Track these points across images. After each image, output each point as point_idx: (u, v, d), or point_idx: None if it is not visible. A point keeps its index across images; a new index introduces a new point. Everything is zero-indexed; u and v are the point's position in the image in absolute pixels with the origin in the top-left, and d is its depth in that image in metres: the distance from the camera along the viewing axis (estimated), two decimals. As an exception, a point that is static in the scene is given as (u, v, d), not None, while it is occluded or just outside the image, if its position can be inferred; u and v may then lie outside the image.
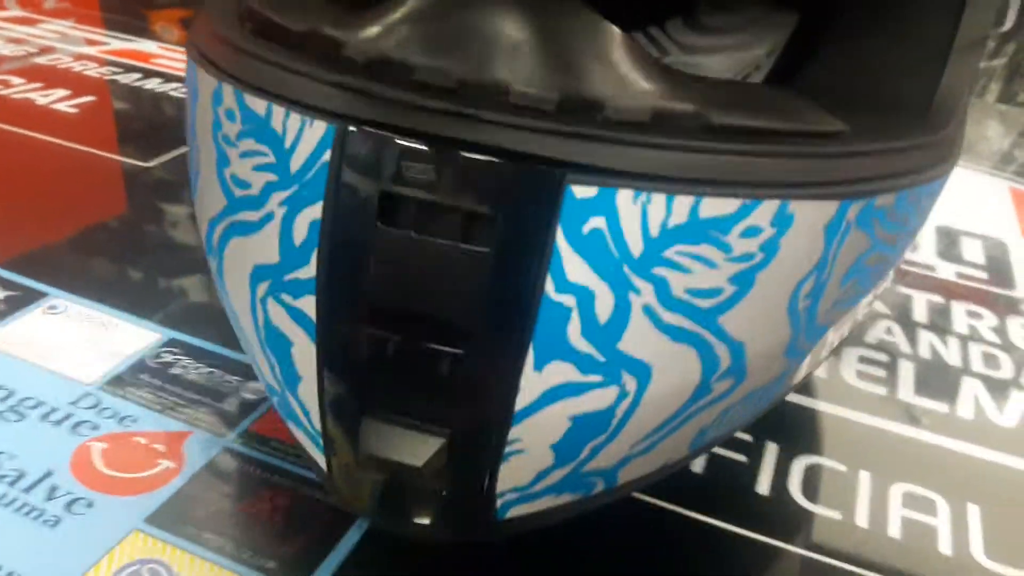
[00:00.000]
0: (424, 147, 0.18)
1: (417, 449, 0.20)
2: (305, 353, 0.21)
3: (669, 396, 0.21)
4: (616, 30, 0.19)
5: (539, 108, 0.18)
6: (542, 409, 0.20)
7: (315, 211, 0.19)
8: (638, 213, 0.18)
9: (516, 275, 0.19)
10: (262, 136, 0.20)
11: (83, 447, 0.30)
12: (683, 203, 0.19)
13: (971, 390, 0.38)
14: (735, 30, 0.41)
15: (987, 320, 0.44)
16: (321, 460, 0.23)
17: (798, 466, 0.32)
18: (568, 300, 0.19)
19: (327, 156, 0.19)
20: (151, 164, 0.54)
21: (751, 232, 0.19)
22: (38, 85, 0.64)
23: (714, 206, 0.19)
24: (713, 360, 0.21)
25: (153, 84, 0.67)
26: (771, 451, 0.33)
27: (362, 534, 0.28)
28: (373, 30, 0.19)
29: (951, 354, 0.40)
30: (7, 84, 0.64)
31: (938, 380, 0.38)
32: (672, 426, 0.22)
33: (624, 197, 0.18)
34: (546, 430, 0.20)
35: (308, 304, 0.20)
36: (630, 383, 0.20)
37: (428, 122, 0.18)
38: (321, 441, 0.22)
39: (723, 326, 0.20)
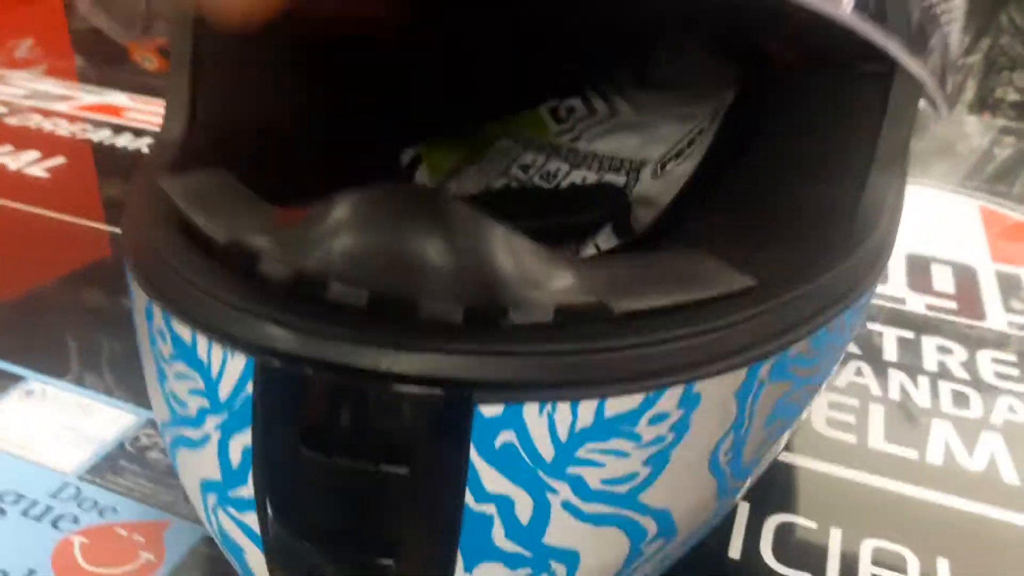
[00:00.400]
0: (338, 379, 0.19)
1: None
2: (255, 558, 0.22)
3: (601, 570, 0.22)
4: (516, 235, 0.20)
5: (447, 321, 0.19)
6: None
7: (245, 437, 0.20)
8: (545, 423, 0.19)
9: (435, 492, 0.20)
10: (191, 362, 0.21)
11: (64, 542, 0.31)
12: (588, 407, 0.19)
13: (941, 433, 0.38)
14: (681, 86, 0.41)
15: (957, 355, 0.44)
16: None
17: (769, 526, 0.33)
18: (489, 508, 0.20)
19: (249, 388, 0.20)
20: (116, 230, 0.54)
21: (658, 419, 0.20)
22: (8, 148, 0.64)
23: (619, 404, 0.19)
24: (640, 532, 0.22)
25: (125, 140, 0.67)
26: (743, 511, 0.33)
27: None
28: (289, 243, 0.20)
29: (921, 395, 0.41)
30: (-22, 148, 0.64)
31: (908, 425, 0.39)
32: None
33: (530, 410, 0.19)
34: None
35: (252, 519, 0.21)
36: (560, 569, 0.21)
37: (340, 353, 0.19)
38: None
39: (644, 502, 0.21)
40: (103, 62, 0.85)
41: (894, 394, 0.41)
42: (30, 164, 0.62)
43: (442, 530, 0.20)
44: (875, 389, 0.41)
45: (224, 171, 0.24)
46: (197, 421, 0.22)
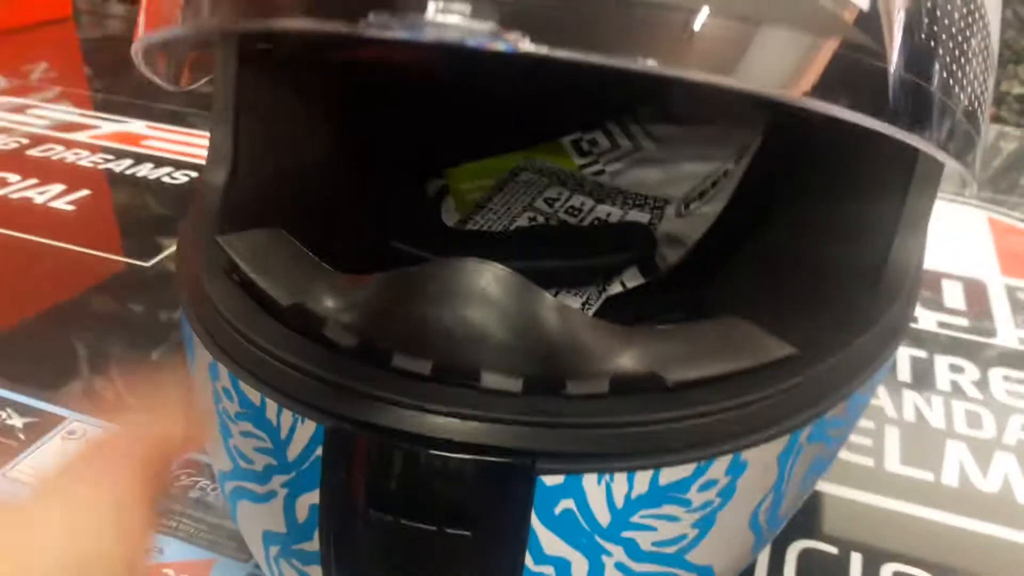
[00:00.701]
0: (406, 446, 0.20)
1: None
2: None
3: None
4: (571, 308, 0.21)
5: (507, 390, 0.20)
6: None
7: (313, 497, 0.22)
8: (603, 491, 0.21)
9: (497, 554, 0.21)
10: (259, 423, 0.23)
11: (114, 585, 0.32)
12: (643, 477, 0.21)
13: (955, 455, 0.39)
14: (704, 124, 0.42)
15: (969, 374, 0.45)
16: None
17: (792, 553, 0.34)
18: (547, 570, 0.21)
19: (319, 451, 0.21)
20: (150, 264, 0.55)
21: (708, 486, 0.22)
22: (34, 181, 0.66)
23: (672, 473, 0.21)
24: None
25: (145, 170, 0.69)
26: (767, 538, 0.34)
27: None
28: (353, 309, 0.21)
29: (935, 416, 0.42)
30: (4, 183, 0.65)
31: (923, 446, 0.40)
32: None
33: (589, 480, 0.20)
34: None
35: (315, 571, 0.23)
36: None
37: (409, 422, 0.20)
38: None
39: (690, 560, 0.23)
40: (108, 71, 0.86)
41: (909, 415, 0.42)
42: (55, 198, 0.63)
43: None
44: (890, 410, 0.42)
45: (279, 229, 0.25)
46: (263, 478, 0.23)
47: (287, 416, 0.22)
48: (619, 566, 0.22)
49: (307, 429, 0.21)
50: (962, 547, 0.34)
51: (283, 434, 0.22)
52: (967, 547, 0.34)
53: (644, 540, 0.21)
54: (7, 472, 0.37)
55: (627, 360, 0.21)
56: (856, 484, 0.37)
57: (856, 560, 0.34)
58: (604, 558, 0.21)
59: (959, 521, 0.36)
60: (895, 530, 0.35)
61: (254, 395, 0.22)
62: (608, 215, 0.42)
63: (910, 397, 0.43)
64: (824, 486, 0.37)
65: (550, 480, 0.20)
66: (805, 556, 0.34)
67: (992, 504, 0.37)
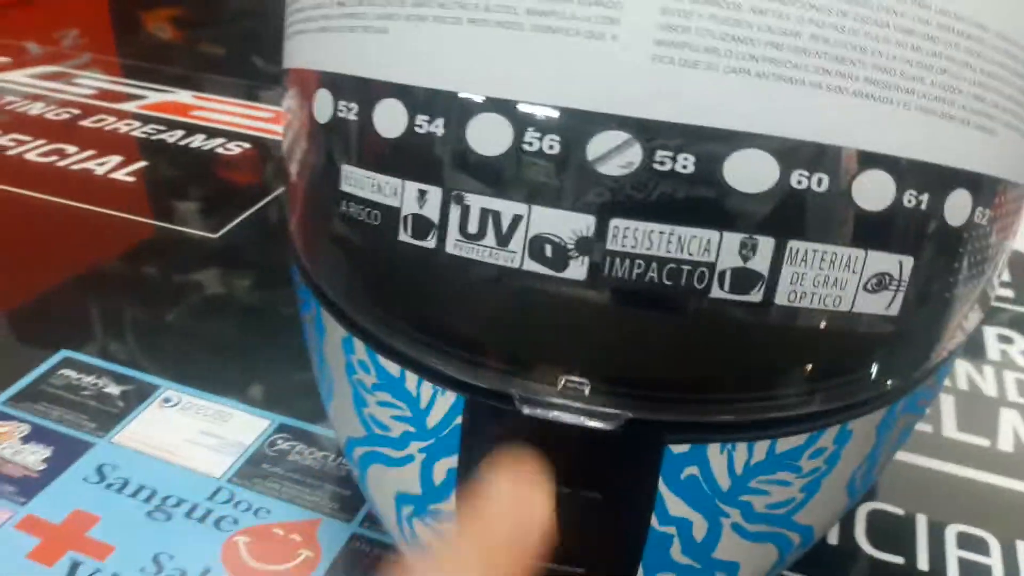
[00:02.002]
0: (543, 416, 0.22)
1: None
2: None
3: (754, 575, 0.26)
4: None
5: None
6: None
7: (451, 461, 0.24)
8: (725, 459, 0.23)
9: (626, 515, 0.23)
10: (397, 393, 0.24)
11: (230, 542, 0.34)
12: (762, 446, 0.23)
13: (1009, 422, 0.41)
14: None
15: (1017, 344, 0.47)
16: None
17: (861, 514, 0.36)
18: (670, 529, 0.23)
19: (459, 420, 0.23)
20: (218, 235, 0.57)
21: (817, 454, 0.24)
22: (92, 152, 0.67)
23: (788, 443, 0.23)
24: (788, 544, 0.25)
25: (198, 141, 0.70)
26: (837, 501, 0.36)
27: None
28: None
29: (987, 384, 0.44)
30: (63, 154, 0.67)
31: (978, 414, 0.42)
32: None
33: (713, 449, 0.22)
34: None
35: (450, 528, 0.24)
36: None
37: (545, 393, 0.22)
38: None
39: (796, 521, 0.25)
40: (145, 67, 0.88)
41: (962, 384, 0.44)
42: (115, 169, 0.65)
43: (629, 546, 0.23)
44: (945, 380, 0.44)
45: None
46: (400, 443, 0.25)
47: (427, 387, 0.24)
48: (735, 527, 0.24)
49: (447, 399, 0.23)
50: (1020, 509, 0.36)
51: (423, 404, 0.24)
52: (1025, 509, 0.37)
53: (759, 503, 0.24)
54: (112, 438, 0.39)
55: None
56: (918, 450, 0.39)
57: (922, 521, 0.36)
58: (722, 519, 0.23)
59: (1016, 484, 0.38)
60: (956, 493, 0.37)
61: (393, 368, 0.24)
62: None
63: (963, 367, 0.45)
64: (887, 452, 0.39)
65: (677, 449, 0.22)
66: (874, 517, 0.36)
67: (1047, 469, 0.39)
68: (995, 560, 0.34)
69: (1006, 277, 0.54)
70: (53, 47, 0.93)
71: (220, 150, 0.69)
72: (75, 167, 0.65)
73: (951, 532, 0.35)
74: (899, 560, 0.34)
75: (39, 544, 0.34)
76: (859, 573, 0.33)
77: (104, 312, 0.49)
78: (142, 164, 0.66)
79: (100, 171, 0.64)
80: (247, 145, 0.70)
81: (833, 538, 0.35)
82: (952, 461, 0.39)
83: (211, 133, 0.71)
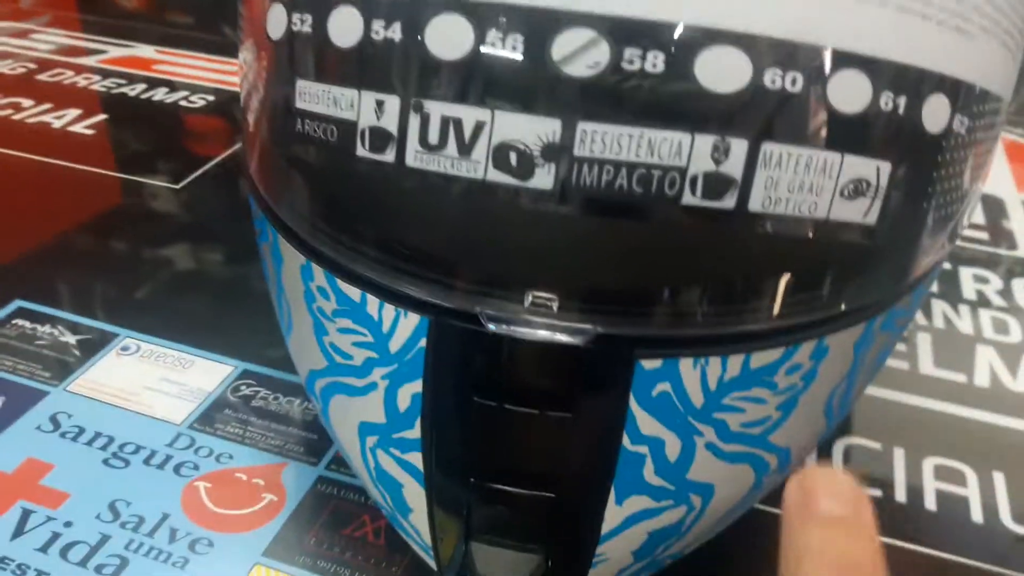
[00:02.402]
0: (510, 334, 0.21)
1: (519, 567, 0.24)
2: (415, 493, 0.25)
3: (729, 500, 0.25)
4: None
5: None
6: (624, 531, 0.24)
7: (416, 386, 0.23)
8: (698, 375, 0.21)
9: (596, 435, 0.22)
10: (359, 318, 0.23)
11: (190, 487, 0.33)
12: (736, 360, 0.22)
13: (985, 358, 0.41)
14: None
15: (993, 284, 0.47)
16: (434, 565, 0.27)
17: (838, 448, 0.35)
18: (642, 449, 0.22)
19: (423, 343, 0.22)
20: (180, 186, 0.55)
21: (794, 369, 0.23)
22: (48, 106, 0.65)
23: (763, 357, 0.22)
24: (764, 466, 0.24)
25: (161, 95, 0.68)
26: (813, 437, 0.36)
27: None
28: None
29: (963, 323, 0.43)
30: (18, 107, 0.65)
31: (954, 351, 0.41)
32: (731, 515, 0.26)
33: (685, 364, 0.21)
34: (627, 543, 0.24)
35: (415, 458, 0.24)
36: (697, 501, 0.24)
37: (512, 311, 0.21)
38: (433, 555, 0.26)
39: (772, 442, 0.24)
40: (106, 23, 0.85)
41: (939, 323, 0.43)
42: (73, 122, 0.63)
43: (600, 468, 0.22)
44: (920, 319, 0.44)
45: None
46: (362, 371, 0.24)
47: (389, 310, 0.22)
48: (709, 446, 0.23)
49: (410, 322, 0.22)
50: (998, 441, 0.36)
51: (385, 328, 0.23)
52: (1003, 441, 0.36)
53: (733, 421, 0.23)
54: (66, 387, 0.38)
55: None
56: (894, 386, 0.39)
57: (899, 454, 0.35)
58: (696, 438, 0.22)
59: (992, 418, 0.37)
60: (933, 427, 0.37)
61: (354, 292, 0.23)
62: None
63: (939, 306, 0.45)
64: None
65: (648, 364, 0.21)
66: (851, 451, 0.35)
67: (1023, 402, 0.38)
68: (972, 491, 0.34)
69: (981, 220, 0.53)
70: (11, 4, 0.90)
71: (183, 103, 0.67)
72: (31, 120, 0.63)
73: (928, 465, 0.35)
74: (877, 493, 0.34)
75: (-10, 493, 0.33)
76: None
77: (59, 269, 0.47)
78: (102, 117, 0.64)
79: (58, 124, 0.62)
80: (211, 98, 0.68)
81: (809, 473, 0.34)
82: (929, 396, 0.38)
83: (173, 87, 0.69)
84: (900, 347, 0.41)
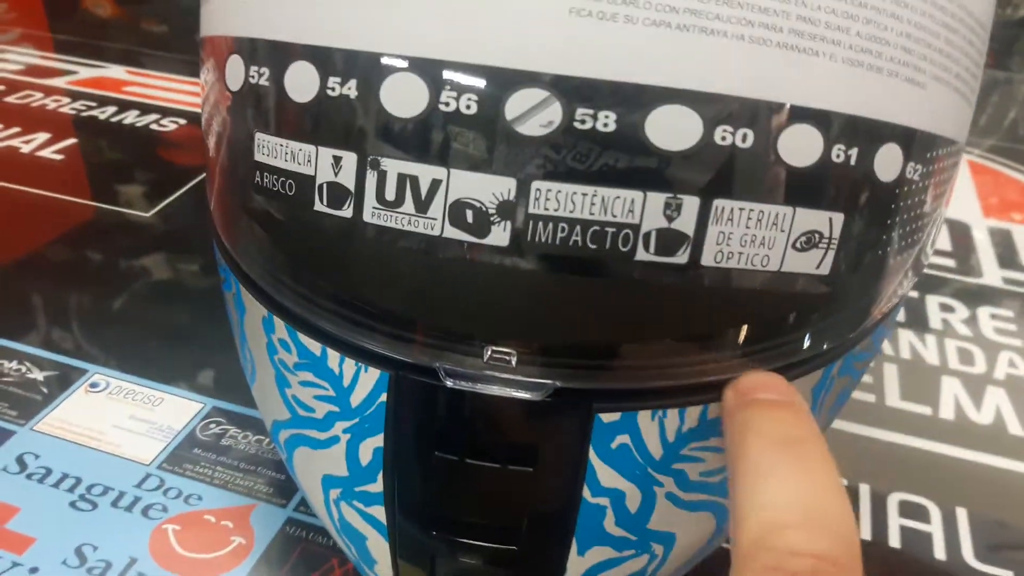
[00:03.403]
0: (471, 390, 0.21)
1: None
2: (379, 545, 0.25)
3: (691, 548, 0.25)
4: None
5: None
6: None
7: (377, 440, 0.23)
8: (656, 427, 0.22)
9: (557, 488, 0.22)
10: (320, 372, 0.23)
11: (158, 530, 0.33)
12: (693, 412, 0.22)
13: (950, 390, 0.42)
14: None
15: (959, 313, 0.47)
16: None
17: (806, 485, 0.36)
18: (603, 500, 0.22)
19: (384, 397, 0.22)
20: (150, 214, 0.55)
21: None
22: (16, 130, 0.64)
23: (720, 407, 0.22)
24: (725, 513, 0.24)
25: (131, 117, 0.68)
26: (780, 473, 0.36)
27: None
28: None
29: (929, 353, 0.44)
30: (-14, 131, 0.64)
31: (920, 382, 0.42)
32: (695, 559, 0.26)
33: (644, 416, 0.22)
34: None
35: (378, 511, 0.24)
36: (659, 549, 0.24)
37: (472, 366, 0.21)
38: None
39: None
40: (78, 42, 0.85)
41: (905, 353, 0.44)
42: (41, 147, 0.62)
43: (561, 520, 0.23)
44: (888, 349, 0.44)
45: None
46: (324, 425, 0.24)
47: (350, 365, 0.23)
48: (669, 496, 0.23)
49: (371, 376, 0.22)
50: (962, 476, 0.37)
51: (346, 382, 0.23)
52: (966, 476, 0.37)
53: (693, 471, 0.23)
54: (33, 426, 0.38)
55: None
56: (860, 419, 0.39)
57: (865, 490, 0.36)
58: (656, 488, 0.23)
59: (958, 452, 0.38)
60: (899, 462, 0.37)
61: (314, 346, 0.23)
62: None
63: (905, 336, 0.45)
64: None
65: (607, 417, 0.21)
66: (817, 488, 0.36)
67: (987, 435, 0.39)
68: (935, 527, 0.34)
69: (947, 246, 0.54)
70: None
71: (154, 126, 0.66)
72: (-1, 145, 0.62)
73: (893, 500, 0.35)
74: (842, 530, 0.34)
75: (-46, 539, 0.32)
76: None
77: (37, 297, 0.47)
78: (72, 141, 0.63)
79: (26, 149, 0.62)
80: (183, 121, 0.67)
81: (776, 510, 0.34)
82: (895, 430, 0.39)
83: (145, 109, 0.69)
84: (867, 379, 0.42)
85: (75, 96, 0.71)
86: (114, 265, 0.50)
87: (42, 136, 0.64)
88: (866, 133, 0.21)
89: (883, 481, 0.36)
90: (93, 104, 0.69)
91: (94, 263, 0.50)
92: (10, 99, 0.70)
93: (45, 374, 0.41)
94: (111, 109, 0.69)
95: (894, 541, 0.33)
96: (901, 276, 0.25)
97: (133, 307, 0.46)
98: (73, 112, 0.68)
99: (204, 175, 0.58)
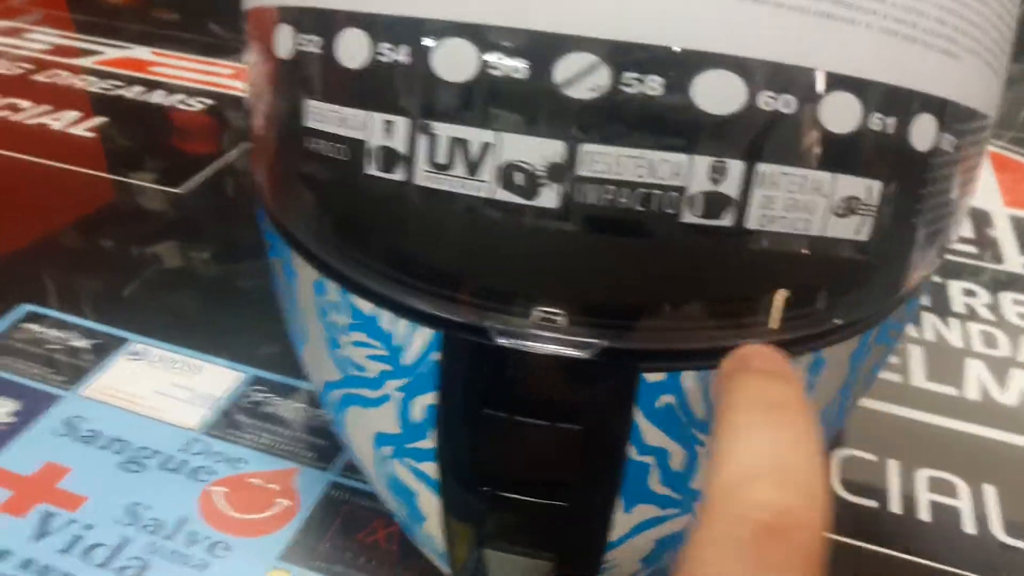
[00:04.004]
0: (520, 349, 0.22)
1: (530, 572, 0.25)
2: (429, 501, 0.25)
3: None
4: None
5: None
6: (631, 538, 0.25)
7: (428, 398, 0.23)
8: (700, 387, 0.22)
9: (603, 446, 0.23)
10: (372, 332, 0.24)
11: (206, 492, 0.34)
12: None
13: (975, 372, 0.42)
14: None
15: (981, 297, 0.48)
16: (447, 570, 0.28)
17: (835, 460, 0.36)
18: (648, 459, 0.23)
19: (435, 356, 0.23)
20: (181, 190, 0.56)
21: None
22: (47, 108, 0.65)
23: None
24: None
25: (159, 97, 0.68)
26: (811, 447, 0.37)
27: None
28: None
29: (953, 336, 0.45)
30: (16, 108, 0.65)
31: (945, 364, 0.43)
32: None
33: (688, 377, 0.22)
34: (635, 551, 0.25)
35: (429, 467, 0.25)
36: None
37: (521, 325, 0.22)
38: (446, 561, 0.27)
39: None
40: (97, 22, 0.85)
41: (929, 336, 0.45)
42: (72, 124, 0.63)
43: (607, 478, 0.23)
44: (912, 331, 0.45)
45: None
46: (376, 383, 0.25)
47: (402, 324, 0.23)
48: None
49: (423, 336, 0.23)
50: (989, 454, 0.37)
51: (398, 342, 0.24)
52: (993, 454, 0.37)
53: None
54: (80, 391, 0.38)
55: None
56: (888, 398, 0.40)
57: (893, 466, 0.36)
58: (698, 448, 0.23)
59: (983, 431, 0.39)
60: (926, 439, 0.38)
61: (366, 307, 0.24)
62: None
63: (929, 319, 0.46)
64: (860, 400, 0.40)
65: (652, 377, 0.22)
66: (847, 463, 0.36)
67: (1013, 416, 0.40)
68: (963, 502, 0.35)
69: (969, 234, 0.55)
70: (1, 2, 0.90)
71: (180, 106, 0.67)
72: (30, 122, 0.63)
73: (921, 476, 0.36)
74: (873, 504, 0.35)
75: (10, 496, 0.33)
76: (834, 517, 0.34)
77: (62, 272, 0.48)
78: (101, 120, 0.64)
79: (57, 126, 0.63)
80: (210, 101, 0.68)
81: (808, 482, 0.35)
82: (921, 409, 0.40)
83: (170, 89, 0.70)
84: (893, 360, 0.43)
85: (102, 75, 0.71)
86: (147, 240, 0.50)
87: (72, 114, 0.64)
88: (902, 102, 0.22)
89: (911, 458, 0.37)
90: (120, 83, 0.70)
91: (127, 238, 0.51)
92: (39, 77, 0.70)
93: (88, 342, 0.41)
94: (138, 88, 0.69)
95: (924, 515, 0.34)
96: (932, 251, 0.26)
97: (164, 283, 0.47)
98: (101, 91, 0.69)
99: (230, 152, 0.58)
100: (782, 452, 0.18)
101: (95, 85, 0.70)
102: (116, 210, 0.54)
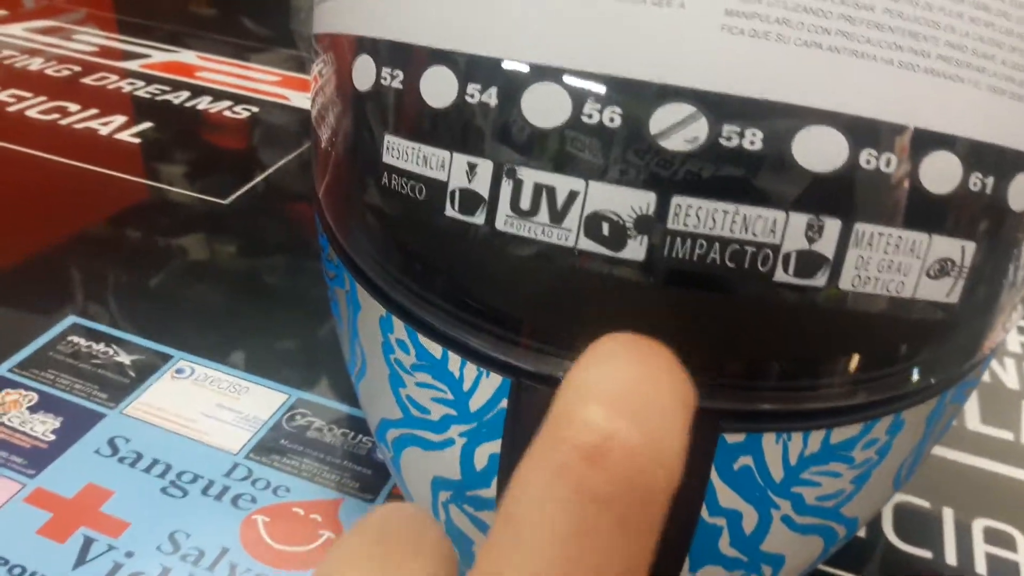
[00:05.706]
0: None
1: None
2: None
3: (797, 569, 0.25)
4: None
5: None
6: None
7: (494, 446, 0.23)
8: (780, 449, 0.22)
9: (676, 506, 0.22)
10: (439, 375, 0.23)
11: (248, 521, 0.34)
12: (817, 436, 0.22)
13: (1032, 415, 0.41)
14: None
15: (1037, 336, 0.47)
16: None
17: (888, 505, 0.36)
18: (720, 521, 0.23)
19: (504, 403, 0.22)
20: (228, 201, 0.56)
21: (870, 444, 0.23)
22: (94, 112, 0.65)
23: (843, 432, 0.22)
24: (833, 536, 0.25)
25: (205, 103, 0.68)
26: (863, 493, 0.36)
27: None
28: None
29: (1009, 377, 0.44)
30: (65, 112, 0.65)
31: (1001, 407, 0.41)
32: None
33: (768, 438, 0.22)
34: None
35: (489, 516, 0.24)
36: (767, 570, 0.24)
37: None
38: None
39: (843, 514, 0.24)
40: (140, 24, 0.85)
41: (984, 376, 0.44)
42: (119, 130, 0.63)
43: (677, 538, 0.23)
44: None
45: None
46: (440, 427, 0.24)
47: (471, 369, 0.23)
48: (784, 519, 0.23)
49: (492, 382, 0.22)
50: (1047, 505, 0.36)
51: (466, 387, 0.23)
52: (1051, 505, 0.36)
53: (809, 495, 0.23)
54: (123, 410, 0.38)
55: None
56: (942, 442, 0.39)
57: (948, 514, 0.35)
58: (772, 511, 0.23)
59: (1041, 480, 0.38)
60: (981, 487, 0.37)
61: (435, 348, 0.23)
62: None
63: (984, 358, 0.45)
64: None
65: (732, 438, 0.22)
66: (901, 510, 0.36)
67: (1071, 464, 0.38)
68: (1022, 556, 0.34)
69: None
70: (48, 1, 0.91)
71: (227, 113, 0.67)
72: (78, 126, 0.63)
73: (978, 526, 0.35)
74: (927, 554, 0.34)
75: (50, 519, 0.33)
76: (888, 566, 0.33)
77: (100, 278, 0.48)
78: (147, 125, 0.64)
79: (104, 131, 0.63)
80: (255, 109, 0.68)
81: (861, 531, 0.34)
82: (977, 454, 0.39)
83: (216, 95, 0.70)
84: (947, 401, 0.42)
85: (148, 79, 0.72)
86: (192, 250, 0.50)
87: (119, 119, 0.65)
88: (1003, 162, 0.21)
89: (967, 506, 0.36)
90: (167, 88, 0.70)
91: (173, 247, 0.51)
92: (86, 80, 0.71)
93: (132, 357, 0.41)
94: (184, 94, 0.70)
95: (980, 568, 0.33)
96: (1017, 302, 0.25)
97: (214, 301, 0.47)
98: (148, 96, 0.69)
99: (277, 165, 0.58)
100: (635, 381, 0.16)
101: (142, 89, 0.70)
102: (166, 221, 0.54)
